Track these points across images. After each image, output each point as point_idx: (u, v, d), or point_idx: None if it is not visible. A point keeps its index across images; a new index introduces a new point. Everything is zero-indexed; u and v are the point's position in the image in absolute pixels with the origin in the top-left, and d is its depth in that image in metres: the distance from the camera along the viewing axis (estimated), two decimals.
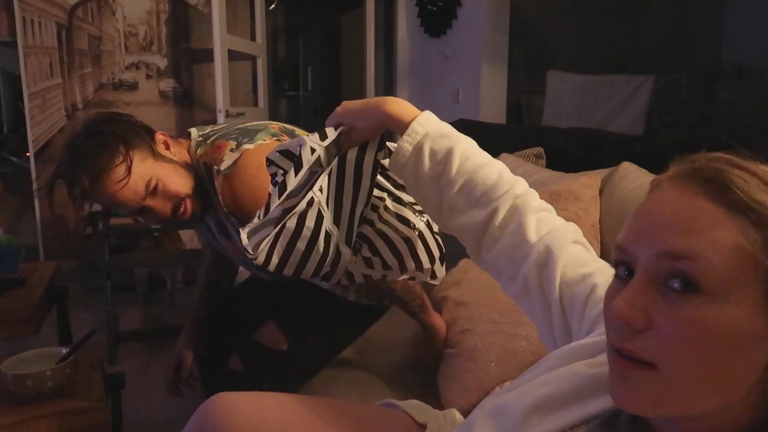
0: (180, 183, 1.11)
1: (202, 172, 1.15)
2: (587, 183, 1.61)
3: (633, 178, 1.54)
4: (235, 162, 1.09)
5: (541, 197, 0.84)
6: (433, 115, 0.86)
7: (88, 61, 3.46)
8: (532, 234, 0.78)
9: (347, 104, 0.89)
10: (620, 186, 1.55)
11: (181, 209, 1.13)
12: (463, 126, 2.22)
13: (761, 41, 4.55)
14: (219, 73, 3.12)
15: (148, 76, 3.59)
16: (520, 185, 0.83)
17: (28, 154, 3.40)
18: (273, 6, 5.30)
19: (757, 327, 0.45)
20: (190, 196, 1.13)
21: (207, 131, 1.21)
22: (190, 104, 3.67)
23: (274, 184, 0.86)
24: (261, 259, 0.86)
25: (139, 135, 1.10)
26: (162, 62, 3.61)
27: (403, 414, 0.99)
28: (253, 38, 3.69)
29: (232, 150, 1.11)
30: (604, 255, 1.56)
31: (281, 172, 0.87)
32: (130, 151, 1.06)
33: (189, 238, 3.39)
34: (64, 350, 1.32)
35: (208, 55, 3.52)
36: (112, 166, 1.04)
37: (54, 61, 3.35)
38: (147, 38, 3.57)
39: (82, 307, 3.10)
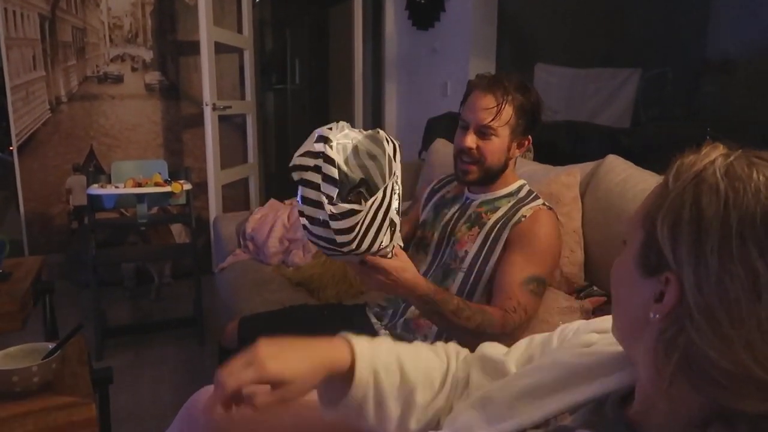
0: (493, 156, 1.35)
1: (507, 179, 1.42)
2: (567, 182, 1.61)
3: (619, 171, 1.55)
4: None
5: None
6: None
7: (72, 54, 3.41)
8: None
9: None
10: (606, 179, 1.56)
11: (471, 165, 1.37)
12: (452, 119, 2.23)
13: (747, 35, 4.58)
14: (206, 66, 3.09)
15: (133, 69, 3.55)
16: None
17: (11, 147, 3.36)
18: None
19: (630, 270, 0.55)
20: (484, 169, 1.37)
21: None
22: (176, 97, 3.64)
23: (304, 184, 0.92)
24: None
25: (530, 122, 1.37)
26: (147, 55, 3.57)
27: None
28: (240, 31, 3.66)
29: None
30: (587, 257, 1.57)
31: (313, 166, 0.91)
32: (515, 115, 1.34)
33: (178, 232, 3.37)
34: (51, 345, 1.31)
35: (194, 48, 3.49)
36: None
37: (37, 53, 3.30)
38: (132, 30, 3.52)
39: (68, 302, 3.07)
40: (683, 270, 0.49)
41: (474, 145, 1.34)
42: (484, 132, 1.34)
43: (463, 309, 1.19)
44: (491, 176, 1.39)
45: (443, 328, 1.29)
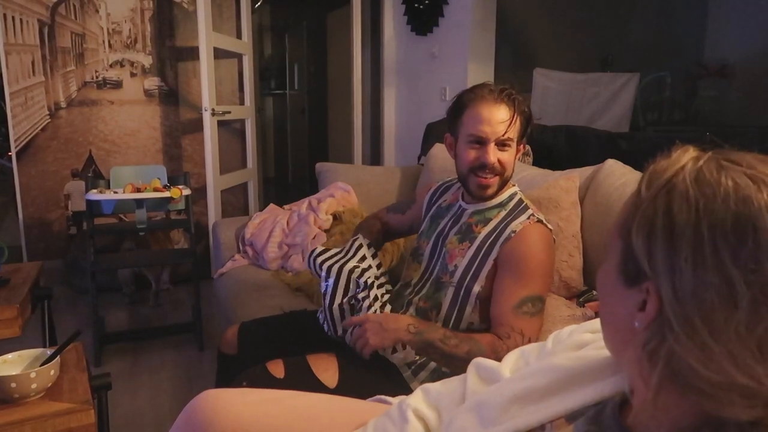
0: (510, 166, 1.35)
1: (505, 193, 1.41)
2: (566, 187, 1.61)
3: (618, 175, 1.55)
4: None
5: None
6: None
7: (71, 59, 3.41)
8: None
9: None
10: (605, 184, 1.56)
11: (492, 178, 1.34)
12: None
13: (744, 40, 4.60)
14: (204, 72, 3.10)
15: (132, 75, 3.56)
16: None
17: (10, 153, 3.36)
18: (259, 4, 5.27)
19: (613, 280, 0.55)
20: (503, 180, 1.36)
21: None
22: (175, 103, 3.64)
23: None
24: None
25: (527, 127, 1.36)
26: (147, 60, 3.57)
27: None
28: (239, 36, 3.67)
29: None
30: (586, 262, 1.56)
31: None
32: (521, 122, 1.32)
33: (177, 238, 3.36)
34: (49, 352, 1.30)
35: (193, 53, 3.50)
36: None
37: (36, 59, 3.31)
38: (131, 36, 3.53)
39: (66, 308, 3.07)
40: (660, 280, 0.48)
41: (496, 160, 1.32)
42: (503, 144, 1.31)
43: (450, 337, 1.24)
44: (503, 186, 1.38)
45: (437, 359, 1.29)
